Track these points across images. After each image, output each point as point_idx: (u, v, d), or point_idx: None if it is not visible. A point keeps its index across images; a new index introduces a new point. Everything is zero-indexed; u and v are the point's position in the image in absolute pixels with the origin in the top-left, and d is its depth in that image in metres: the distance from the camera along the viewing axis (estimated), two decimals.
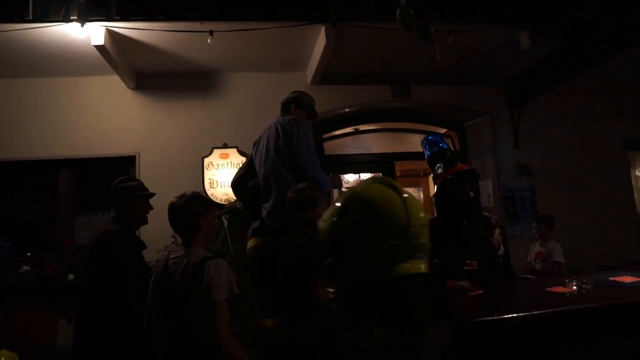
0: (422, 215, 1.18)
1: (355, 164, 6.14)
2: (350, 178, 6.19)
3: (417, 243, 1.17)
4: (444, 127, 6.27)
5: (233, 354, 2.03)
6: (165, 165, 5.17)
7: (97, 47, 4.12)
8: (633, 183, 6.63)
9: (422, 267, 1.18)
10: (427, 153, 2.66)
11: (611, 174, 6.10)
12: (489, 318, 1.68)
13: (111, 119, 5.19)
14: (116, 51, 4.45)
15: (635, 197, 6.62)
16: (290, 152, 3.17)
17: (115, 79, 5.02)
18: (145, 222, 3.04)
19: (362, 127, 6.25)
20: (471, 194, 2.44)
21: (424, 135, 3.16)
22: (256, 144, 3.59)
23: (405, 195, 1.17)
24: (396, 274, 1.11)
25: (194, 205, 2.43)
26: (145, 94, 5.29)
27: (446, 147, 2.65)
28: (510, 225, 5.50)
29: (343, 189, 3.68)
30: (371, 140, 6.34)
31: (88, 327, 2.61)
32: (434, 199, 2.54)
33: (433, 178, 2.57)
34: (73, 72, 5.01)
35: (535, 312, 1.71)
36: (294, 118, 3.40)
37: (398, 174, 7.87)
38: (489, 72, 5.64)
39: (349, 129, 6.28)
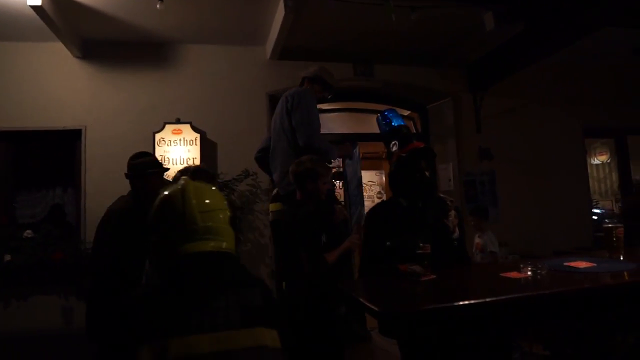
0: (206, 202, 1.43)
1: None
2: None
3: (200, 227, 1.39)
4: (407, 109, 6.17)
5: None
6: (114, 140, 4.87)
7: (34, 8, 3.76)
8: (588, 170, 6.74)
9: (210, 245, 1.40)
10: (382, 129, 2.52)
11: (569, 160, 6.16)
12: (441, 305, 1.55)
13: (54, 89, 4.83)
14: (57, 14, 4.09)
15: (590, 184, 6.74)
16: (293, 124, 3.34)
17: (58, 46, 4.66)
18: None
19: (323, 107, 6.07)
20: (427, 173, 2.32)
21: None
22: (273, 116, 3.79)
23: (185, 185, 1.44)
24: (183, 253, 1.36)
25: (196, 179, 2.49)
26: (92, 63, 4.94)
27: (402, 123, 2.51)
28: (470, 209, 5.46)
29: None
30: (332, 120, 6.17)
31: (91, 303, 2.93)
32: (388, 178, 2.41)
33: (387, 156, 2.43)
34: (9, 36, 4.62)
35: (488, 300, 1.60)
36: (298, 90, 3.54)
37: (360, 155, 7.77)
38: (453, 54, 5.55)
39: None
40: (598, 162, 8.62)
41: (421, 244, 2.10)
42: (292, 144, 3.36)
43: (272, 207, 3.56)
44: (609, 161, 8.69)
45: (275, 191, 3.63)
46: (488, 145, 5.69)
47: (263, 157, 3.85)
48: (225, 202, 1.55)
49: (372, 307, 1.59)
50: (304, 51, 5.22)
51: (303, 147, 3.21)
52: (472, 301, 1.59)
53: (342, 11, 4.30)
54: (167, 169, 3.34)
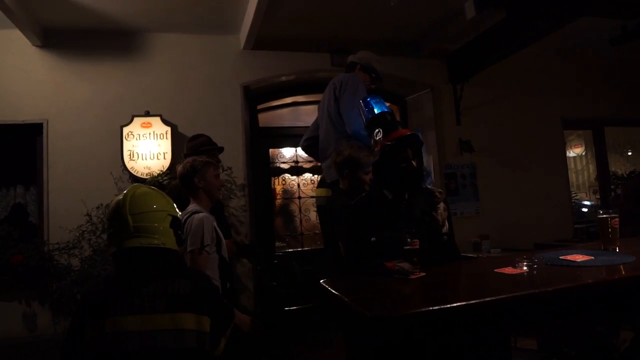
0: (140, 205, 1.77)
1: (293, 138, 5.76)
2: (287, 153, 5.83)
3: (131, 226, 1.72)
4: (386, 101, 5.98)
5: None
6: (78, 134, 4.60)
7: None
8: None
9: (139, 242, 1.72)
10: (365, 116, 2.34)
11: (548, 152, 6.11)
12: (435, 308, 1.39)
13: (12, 81, 4.51)
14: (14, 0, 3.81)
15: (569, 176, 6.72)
16: (341, 111, 3.28)
17: (16, 34, 4.34)
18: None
19: (300, 99, 5.89)
20: (414, 163, 2.15)
21: None
22: (320, 102, 3.75)
23: (127, 191, 1.82)
24: (120, 248, 1.72)
25: (186, 166, 2.70)
26: (54, 52, 4.64)
27: (387, 109, 2.34)
28: (451, 202, 5.36)
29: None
30: (309, 113, 5.98)
31: None
32: (371, 169, 2.24)
33: (371, 146, 2.26)
34: None
35: (487, 299, 1.44)
36: (347, 76, 3.48)
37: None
38: (433, 44, 5.43)
39: (288, 100, 5.90)
40: (574, 154, 8.65)
41: (409, 239, 1.94)
42: (341, 131, 3.29)
43: (317, 192, 3.72)
44: (584, 153, 8.74)
45: (321, 176, 3.73)
46: (468, 138, 5.59)
47: (311, 146, 3.80)
48: (169, 206, 1.86)
49: (361, 311, 1.42)
50: (279, 41, 5.02)
51: (351, 135, 3.13)
52: (470, 302, 1.44)
53: None
54: (221, 148, 3.56)
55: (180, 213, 1.96)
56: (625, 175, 7.06)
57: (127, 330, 1.59)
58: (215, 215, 2.81)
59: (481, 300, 1.46)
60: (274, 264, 5.04)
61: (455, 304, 1.42)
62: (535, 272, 1.82)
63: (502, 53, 5.04)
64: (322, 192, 3.46)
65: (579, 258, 2.00)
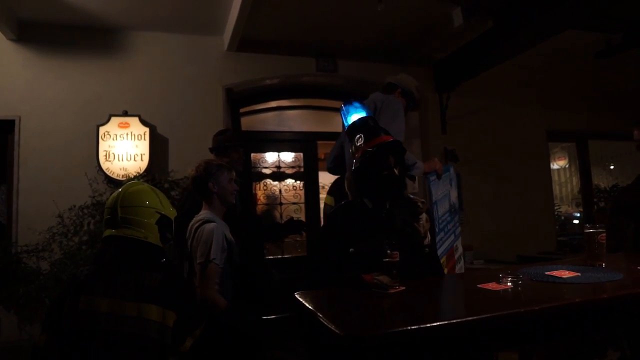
0: (132, 200, 1.96)
1: (276, 142, 5.67)
2: (270, 158, 5.71)
3: (119, 218, 1.91)
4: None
5: (210, 302, 2.27)
6: (53, 132, 4.44)
7: None
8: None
9: (124, 232, 1.90)
10: (346, 121, 2.24)
11: (532, 164, 6.08)
12: (415, 327, 1.29)
13: None
14: None
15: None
16: None
17: None
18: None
19: (284, 103, 5.78)
20: (396, 171, 2.06)
21: None
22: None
23: (125, 185, 2.05)
24: (105, 236, 1.94)
25: (200, 169, 2.61)
26: (29, 47, 4.47)
27: (369, 114, 2.25)
28: None
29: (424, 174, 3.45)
30: (293, 118, 5.89)
31: None
32: (351, 176, 2.13)
33: (352, 152, 2.16)
34: None
35: (469, 319, 1.34)
36: (389, 98, 3.33)
37: (322, 156, 7.52)
38: (419, 52, 5.37)
39: (272, 104, 5.79)
40: (557, 166, 8.68)
41: (389, 251, 1.84)
42: None
43: (327, 199, 3.69)
44: (567, 166, 8.78)
45: (331, 184, 3.77)
46: (454, 147, 5.53)
47: (339, 166, 3.53)
48: (159, 205, 2.02)
49: (334, 328, 1.31)
50: (264, 43, 4.92)
51: None
52: (452, 321, 1.34)
53: (304, 0, 4.03)
54: (242, 145, 3.49)
55: (174, 214, 2.10)
56: (607, 188, 7.08)
57: (98, 311, 1.76)
58: (228, 221, 2.69)
59: (463, 319, 1.36)
60: None
61: (436, 323, 1.33)
62: (520, 288, 1.73)
63: (489, 63, 5.00)
64: (328, 199, 3.56)
65: (565, 274, 1.92)
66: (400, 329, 1.30)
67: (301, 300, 1.67)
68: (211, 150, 3.50)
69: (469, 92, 5.58)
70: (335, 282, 1.94)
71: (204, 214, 2.59)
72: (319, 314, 1.48)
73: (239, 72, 4.95)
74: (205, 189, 2.59)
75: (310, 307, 1.57)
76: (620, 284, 1.75)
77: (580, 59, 5.82)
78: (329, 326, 1.34)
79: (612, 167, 8.62)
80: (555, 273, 1.94)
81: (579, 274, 1.93)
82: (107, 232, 1.93)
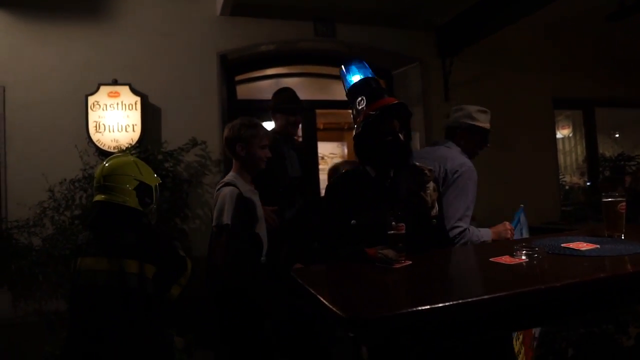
0: (113, 169, 2.26)
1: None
2: (267, 127, 5.51)
3: (102, 185, 2.24)
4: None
5: (218, 269, 2.37)
6: (39, 103, 4.25)
7: None
8: None
9: (102, 197, 2.22)
10: (346, 82, 2.07)
11: (538, 132, 5.90)
12: (422, 308, 1.15)
13: None
14: None
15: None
16: None
17: None
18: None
19: (281, 71, 5.57)
20: (401, 136, 1.89)
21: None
22: None
23: (104, 162, 2.36)
24: (93, 201, 2.31)
25: (233, 129, 2.56)
26: (11, 12, 4.24)
27: (371, 75, 2.07)
28: None
29: None
30: (291, 86, 5.64)
31: None
32: (353, 142, 1.97)
33: (353, 116, 1.99)
34: None
35: (485, 297, 1.21)
36: (464, 163, 2.65)
37: (321, 126, 7.34)
38: (422, 15, 5.13)
39: (269, 72, 5.58)
40: (561, 135, 8.49)
41: (394, 223, 1.70)
42: None
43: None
44: (571, 135, 8.60)
45: None
46: None
47: None
48: (138, 173, 2.28)
49: (336, 311, 1.18)
50: (259, 7, 4.69)
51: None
52: (464, 300, 1.20)
53: None
54: (299, 109, 3.37)
55: (155, 181, 2.35)
56: (613, 157, 6.93)
57: (86, 268, 2.11)
58: (259, 186, 2.66)
59: (478, 298, 1.22)
60: None
61: (447, 303, 1.19)
62: (536, 262, 1.59)
63: (494, 26, 4.78)
64: None
65: (583, 246, 1.78)
66: (407, 310, 1.16)
67: (298, 278, 1.54)
68: (270, 110, 3.43)
69: (473, 57, 5.36)
70: (337, 256, 1.81)
71: (228, 176, 2.59)
72: (318, 293, 1.34)
73: (233, 38, 4.73)
74: (233, 150, 2.58)
75: (308, 285, 1.44)
76: None
77: (590, 22, 5.57)
78: (331, 308, 1.21)
79: (617, 135, 8.46)
80: (572, 245, 1.80)
81: (598, 246, 1.79)
82: (96, 198, 2.28)
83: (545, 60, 5.92)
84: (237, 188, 2.44)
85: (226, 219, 2.36)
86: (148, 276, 2.07)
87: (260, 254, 2.52)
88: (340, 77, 2.11)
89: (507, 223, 2.49)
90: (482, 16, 4.72)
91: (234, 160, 2.66)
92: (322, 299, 1.29)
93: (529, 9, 4.42)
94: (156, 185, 2.35)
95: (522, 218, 3.21)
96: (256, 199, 2.61)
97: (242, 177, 2.56)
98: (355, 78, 2.02)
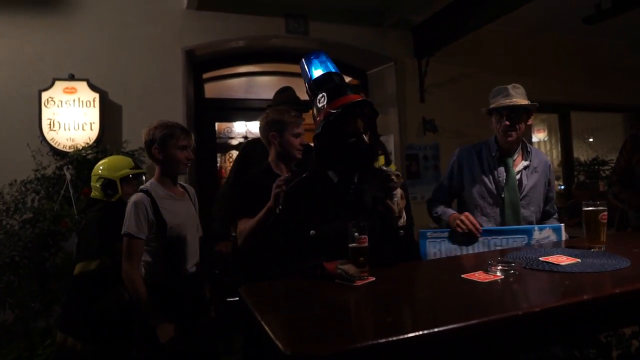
0: (94, 169, 3.00)
1: (244, 111, 5.25)
2: (238, 127, 5.31)
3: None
4: (345, 75, 5.55)
5: (129, 283, 2.25)
6: None
7: None
8: None
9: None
10: (306, 76, 1.88)
11: None
12: (381, 341, 0.97)
13: None
14: None
15: None
16: None
17: None
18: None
19: (252, 69, 5.36)
20: (365, 137, 1.71)
21: None
22: None
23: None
24: None
25: (149, 132, 2.40)
26: None
27: (334, 70, 1.88)
28: (412, 185, 5.00)
29: None
30: (263, 85, 5.48)
31: None
32: (312, 143, 1.78)
33: (313, 115, 1.80)
34: None
35: (451, 327, 1.03)
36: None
37: None
38: (397, 13, 4.97)
39: (240, 69, 5.37)
40: (537, 139, 8.47)
41: (356, 234, 1.52)
42: None
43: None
44: (546, 139, 8.58)
45: None
46: (432, 117, 5.22)
47: None
48: (104, 172, 2.90)
49: (278, 343, 0.99)
50: (227, 1, 4.47)
51: None
52: (431, 330, 1.02)
53: None
54: (300, 109, 3.07)
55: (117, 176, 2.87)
56: (587, 162, 6.91)
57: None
58: None
59: (448, 327, 1.04)
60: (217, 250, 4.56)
61: (413, 334, 1.01)
62: (512, 279, 1.43)
63: (471, 26, 4.64)
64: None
65: (563, 260, 1.63)
66: (363, 344, 0.98)
67: (244, 296, 1.34)
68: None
69: (449, 58, 5.23)
70: (292, 271, 1.62)
71: (147, 183, 2.47)
72: (262, 319, 1.15)
73: (200, 33, 4.49)
74: (150, 154, 2.43)
75: (252, 306, 1.25)
76: (628, 273, 1.46)
77: (566, 25, 5.51)
78: (273, 339, 1.02)
79: (591, 140, 8.47)
80: (551, 259, 1.65)
81: (578, 260, 1.64)
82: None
83: (522, 62, 5.83)
84: (148, 194, 2.33)
85: (125, 227, 2.28)
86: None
87: (174, 263, 2.37)
88: (301, 72, 1.92)
89: (468, 214, 2.29)
90: (459, 15, 4.59)
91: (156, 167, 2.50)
92: (265, 327, 1.10)
93: (506, 8, 4.30)
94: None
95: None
96: (180, 204, 2.47)
97: (162, 182, 2.44)
98: (317, 72, 1.83)
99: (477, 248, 2.24)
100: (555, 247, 1.94)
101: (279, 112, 2.51)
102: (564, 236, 2.24)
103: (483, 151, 2.59)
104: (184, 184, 2.69)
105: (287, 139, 2.44)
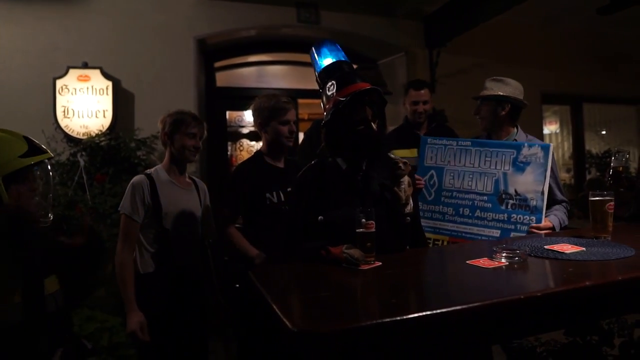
0: None
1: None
2: (248, 116, 5.34)
3: None
4: (356, 64, 5.56)
5: (118, 265, 2.21)
6: (4, 86, 4.06)
7: None
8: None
9: None
10: (316, 65, 1.90)
11: (525, 127, 5.74)
12: (386, 320, 1.00)
13: None
14: None
15: None
16: None
17: None
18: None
19: (263, 58, 5.38)
20: (374, 125, 1.74)
21: None
22: None
23: None
24: None
25: (165, 120, 2.40)
26: None
27: (344, 59, 1.91)
28: None
29: None
30: (273, 74, 5.51)
31: None
32: (322, 132, 1.81)
33: (323, 103, 1.83)
34: None
35: (457, 308, 1.06)
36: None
37: (305, 117, 7.16)
38: (409, 4, 4.96)
39: (251, 59, 5.39)
40: (548, 131, 8.40)
41: (363, 220, 1.55)
42: None
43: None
44: (558, 131, 8.52)
45: None
46: (443, 107, 5.20)
47: None
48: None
49: (285, 321, 1.03)
50: None
51: None
52: (437, 311, 1.06)
53: None
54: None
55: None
56: (599, 154, 6.85)
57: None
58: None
59: (451, 308, 1.08)
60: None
61: (417, 314, 1.05)
62: (516, 266, 1.46)
63: (483, 16, 4.63)
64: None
65: (568, 249, 1.65)
66: (368, 322, 1.01)
67: (254, 278, 1.39)
68: None
69: (461, 49, 5.21)
70: (300, 254, 1.66)
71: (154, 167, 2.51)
72: (270, 300, 1.19)
73: (212, 22, 4.52)
74: (163, 140, 2.44)
75: (262, 287, 1.29)
76: (635, 261, 1.48)
77: (581, 16, 5.46)
78: (281, 318, 1.06)
79: (603, 132, 8.39)
80: (556, 247, 1.67)
81: (583, 248, 1.66)
82: None
83: (536, 53, 5.79)
84: (149, 177, 2.31)
85: (121, 207, 2.27)
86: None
87: (166, 252, 2.28)
88: (311, 60, 1.94)
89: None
90: (471, 5, 4.58)
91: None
92: (273, 306, 1.14)
93: None
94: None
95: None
96: (181, 193, 2.40)
97: (168, 169, 2.40)
98: (327, 61, 1.85)
99: (471, 157, 2.63)
100: (560, 237, 1.96)
101: (266, 98, 2.45)
102: (550, 155, 2.40)
103: None
104: (196, 179, 2.60)
105: (275, 127, 2.37)
